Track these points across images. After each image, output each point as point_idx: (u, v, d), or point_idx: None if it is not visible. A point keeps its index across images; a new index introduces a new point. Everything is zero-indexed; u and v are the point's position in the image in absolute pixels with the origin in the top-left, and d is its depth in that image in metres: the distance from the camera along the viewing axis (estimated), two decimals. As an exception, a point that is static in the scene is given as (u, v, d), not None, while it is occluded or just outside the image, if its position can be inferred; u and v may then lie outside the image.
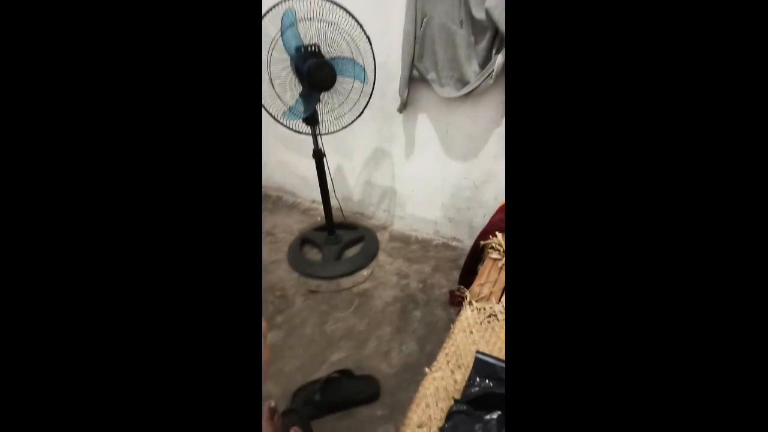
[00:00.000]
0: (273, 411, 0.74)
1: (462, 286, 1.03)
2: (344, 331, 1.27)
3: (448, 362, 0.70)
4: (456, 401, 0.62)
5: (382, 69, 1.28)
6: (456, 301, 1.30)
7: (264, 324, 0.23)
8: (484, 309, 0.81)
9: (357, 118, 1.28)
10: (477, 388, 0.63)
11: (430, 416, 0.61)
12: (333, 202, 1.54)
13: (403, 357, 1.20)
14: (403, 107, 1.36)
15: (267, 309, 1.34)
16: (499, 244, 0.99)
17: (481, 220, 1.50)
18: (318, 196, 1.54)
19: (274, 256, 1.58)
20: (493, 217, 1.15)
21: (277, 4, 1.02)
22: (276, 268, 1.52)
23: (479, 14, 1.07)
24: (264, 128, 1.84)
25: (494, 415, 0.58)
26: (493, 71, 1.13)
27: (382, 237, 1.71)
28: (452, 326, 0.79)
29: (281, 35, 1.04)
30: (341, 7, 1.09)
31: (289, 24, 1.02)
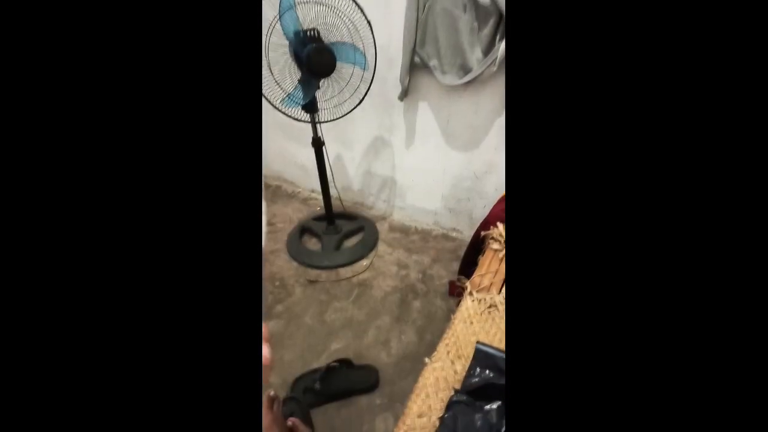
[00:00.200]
0: (273, 400, 0.74)
1: (462, 277, 1.03)
2: (344, 320, 1.28)
3: (448, 353, 0.70)
4: (456, 391, 0.62)
5: (382, 55, 1.25)
6: (455, 292, 1.30)
7: (264, 327, 0.22)
8: (485, 300, 0.80)
9: (357, 105, 1.26)
10: (477, 379, 0.63)
11: (430, 406, 0.61)
12: (332, 191, 1.53)
13: (402, 346, 1.20)
14: (404, 95, 1.34)
15: (267, 298, 1.34)
16: (500, 235, 0.98)
17: (482, 211, 1.49)
18: (317, 186, 1.53)
19: (273, 245, 1.57)
20: (493, 207, 1.14)
21: (275, -13, 0.99)
22: (275, 257, 1.52)
23: (483, -1, 1.04)
24: (263, 116, 1.81)
25: (494, 406, 0.58)
26: (496, 58, 1.10)
27: (382, 227, 1.70)
28: (452, 317, 0.78)
29: (279, 18, 1.02)
30: (341, -10, 1.06)
31: (287, 7, 0.99)
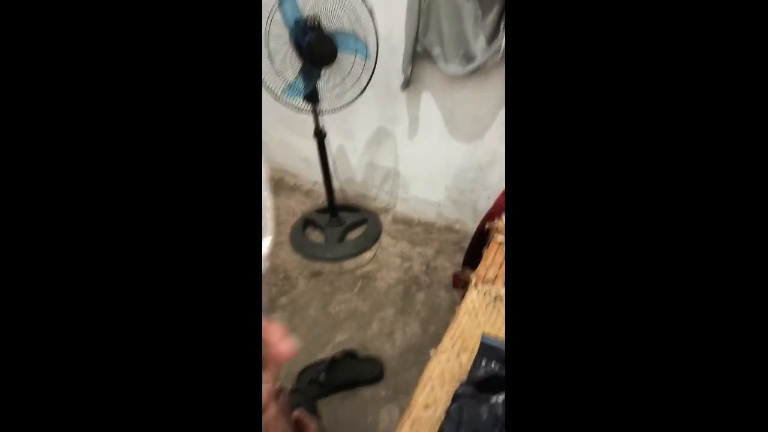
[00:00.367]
0: (279, 391, 0.75)
1: (467, 269, 1.02)
2: (348, 312, 1.28)
3: (453, 345, 0.70)
4: (462, 384, 0.62)
5: (384, 44, 1.22)
6: (459, 284, 1.30)
7: (277, 325, 0.22)
8: (490, 292, 0.80)
9: (359, 95, 1.24)
10: (483, 371, 0.63)
11: (435, 398, 0.61)
12: (335, 183, 1.52)
13: (406, 338, 1.20)
14: (407, 84, 1.32)
15: (270, 291, 1.34)
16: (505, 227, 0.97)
17: (486, 203, 1.48)
18: (320, 178, 1.52)
19: (276, 237, 1.57)
20: (498, 199, 1.13)
21: (275, -27, 0.97)
22: (279, 250, 1.52)
23: (488, -16, 1.02)
24: (264, 107, 1.79)
25: (500, 398, 0.58)
26: (501, 46, 1.08)
27: (385, 219, 1.70)
28: (457, 309, 0.78)
29: (279, 6, 0.99)
30: (342, -24, 1.04)
31: (287, -6, 0.96)
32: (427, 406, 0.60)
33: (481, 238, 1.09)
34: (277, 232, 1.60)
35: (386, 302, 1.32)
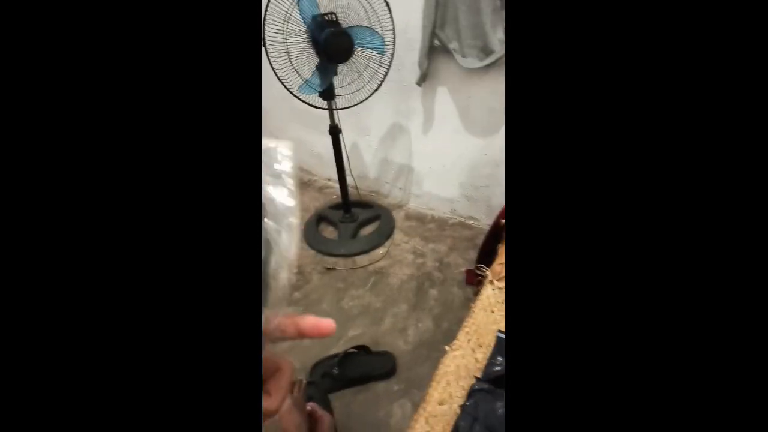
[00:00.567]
0: (294, 384, 0.75)
1: (482, 266, 1.01)
2: (361, 307, 1.28)
3: (468, 341, 0.69)
4: (477, 379, 0.61)
5: (401, 38, 1.22)
6: (473, 281, 1.29)
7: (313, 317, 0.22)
8: (506, 288, 0.79)
9: (375, 91, 1.23)
10: (499, 367, 0.63)
11: (451, 394, 0.61)
12: (348, 179, 1.52)
13: (419, 334, 1.20)
14: (423, 79, 1.31)
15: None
16: (522, 223, 0.95)
17: (500, 199, 1.46)
18: (333, 174, 1.52)
19: (290, 233, 1.59)
20: (514, 195, 1.11)
21: (292, -31, 0.97)
22: (292, 245, 1.53)
23: (507, -24, 1.00)
24: (280, 104, 1.81)
25: (517, 395, 0.57)
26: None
27: (398, 215, 1.69)
28: (472, 305, 0.77)
29: (297, 2, 1.00)
30: (359, -30, 1.03)
31: (305, -10, 0.97)
32: (442, 402, 0.60)
33: (495, 235, 1.08)
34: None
35: (399, 298, 1.32)
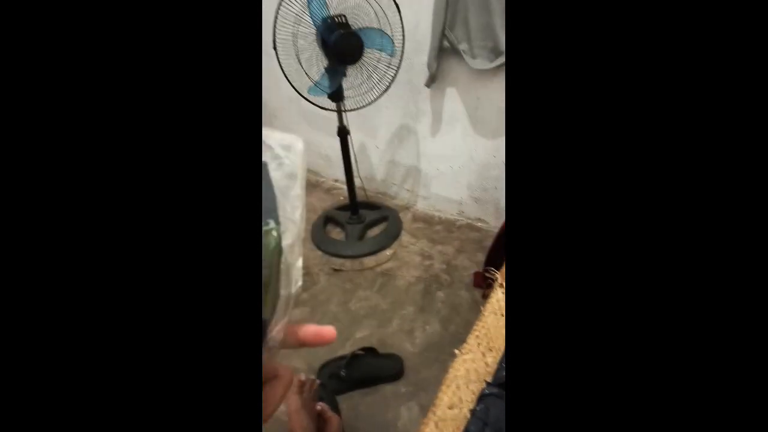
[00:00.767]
0: (304, 384, 0.75)
1: (491, 269, 1.01)
2: (368, 309, 1.28)
3: (479, 344, 0.69)
4: (488, 384, 0.61)
5: (410, 39, 1.22)
6: (481, 283, 1.28)
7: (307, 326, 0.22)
8: (516, 292, 0.78)
9: (384, 92, 1.23)
10: (509, 372, 0.62)
11: (460, 398, 0.61)
12: (356, 181, 1.52)
13: (426, 336, 1.20)
14: (432, 81, 1.31)
15: (292, 286, 1.36)
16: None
17: (509, 201, 1.45)
18: (341, 175, 1.52)
19: (298, 234, 1.59)
20: (524, 197, 1.10)
21: (303, -29, 0.98)
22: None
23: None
24: (288, 105, 1.82)
25: (528, 400, 0.57)
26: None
27: (405, 217, 1.69)
28: (482, 308, 0.77)
29: (308, 5, 1.00)
30: (369, -28, 1.03)
31: (315, -8, 0.97)
32: (452, 406, 0.60)
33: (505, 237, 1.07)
34: (299, 228, 1.62)
35: (406, 300, 1.32)
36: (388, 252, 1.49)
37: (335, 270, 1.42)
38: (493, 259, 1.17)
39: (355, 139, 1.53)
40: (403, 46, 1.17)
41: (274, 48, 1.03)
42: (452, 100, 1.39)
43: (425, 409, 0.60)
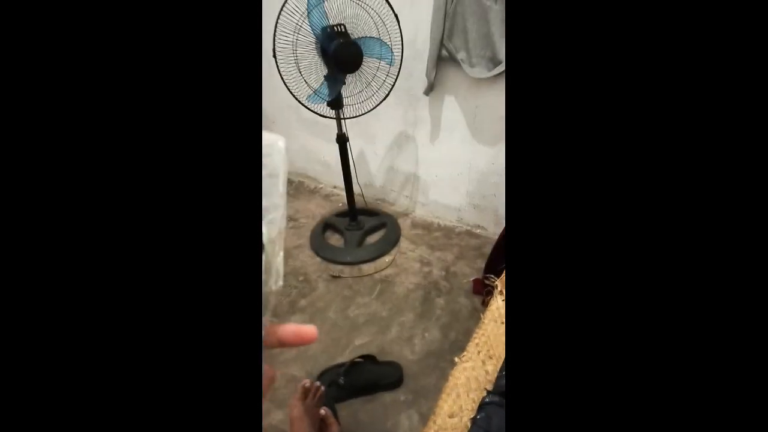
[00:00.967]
0: (308, 391, 0.74)
1: (491, 275, 1.01)
2: (367, 316, 1.28)
3: (478, 352, 0.68)
4: (488, 392, 0.60)
5: (408, 48, 1.23)
6: (481, 290, 1.28)
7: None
8: (516, 299, 0.78)
9: (383, 100, 1.25)
10: (510, 380, 0.62)
11: (461, 406, 0.60)
12: (355, 187, 1.53)
13: (426, 344, 1.19)
14: (431, 89, 1.32)
15: (290, 293, 1.36)
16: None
17: (508, 208, 1.45)
18: (340, 182, 1.53)
19: (296, 240, 1.59)
20: (522, 204, 1.11)
21: (303, -19, 0.99)
22: (299, 252, 1.53)
23: (515, -12, 1.01)
24: (287, 112, 1.82)
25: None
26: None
27: (404, 224, 1.69)
28: (482, 316, 0.77)
29: (308, 14, 1.01)
30: (368, -17, 1.05)
31: (315, 3, 0.98)
32: (452, 415, 0.59)
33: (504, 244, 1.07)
34: (297, 235, 1.62)
35: (405, 307, 1.31)
36: (387, 258, 1.49)
37: (334, 277, 1.42)
38: (492, 266, 1.17)
39: (354, 146, 1.54)
40: (402, 55, 1.18)
41: (274, 56, 1.04)
42: (451, 108, 1.41)
43: (425, 418, 0.59)
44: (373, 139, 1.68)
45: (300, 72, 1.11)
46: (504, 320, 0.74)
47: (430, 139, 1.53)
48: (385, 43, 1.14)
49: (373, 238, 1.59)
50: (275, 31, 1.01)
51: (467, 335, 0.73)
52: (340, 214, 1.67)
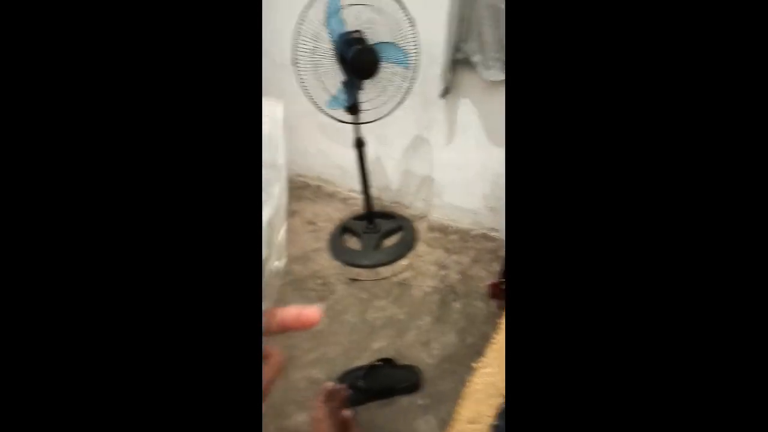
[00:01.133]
0: (332, 393, 0.75)
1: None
2: (385, 319, 1.29)
3: (497, 358, 0.68)
4: (508, 399, 0.60)
5: (424, 52, 1.24)
6: (498, 294, 1.27)
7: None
8: (536, 305, 0.77)
9: (399, 104, 1.25)
10: (530, 387, 0.61)
11: (480, 413, 0.60)
12: (371, 191, 1.54)
13: (443, 348, 1.19)
14: (446, 92, 1.32)
15: (309, 296, 1.38)
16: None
17: (526, 211, 1.43)
18: (356, 185, 1.54)
19: (315, 244, 1.61)
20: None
21: (321, -9, 1.01)
22: (317, 256, 1.56)
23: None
24: (305, 118, 1.86)
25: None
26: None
27: (420, 227, 1.69)
28: (499, 321, 0.76)
29: (327, 21, 1.04)
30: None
31: (335, 10, 1.00)
32: (472, 421, 0.60)
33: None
34: (316, 239, 1.64)
35: (423, 310, 1.31)
36: (403, 261, 1.50)
37: (352, 280, 1.44)
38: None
39: (369, 149, 1.56)
40: (417, 60, 1.19)
41: (294, 64, 1.06)
42: (466, 110, 1.40)
43: (443, 423, 0.60)
44: (389, 142, 1.69)
45: (318, 79, 1.13)
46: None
47: (446, 142, 1.53)
48: (401, 47, 1.15)
49: (390, 241, 1.59)
50: (294, 39, 1.04)
51: (484, 340, 0.73)
52: (358, 218, 1.69)
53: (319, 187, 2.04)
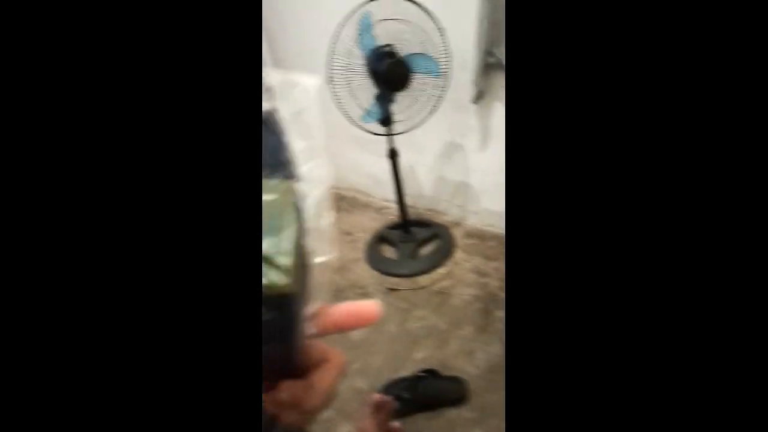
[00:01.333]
0: (380, 405, 0.76)
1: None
2: (426, 329, 1.27)
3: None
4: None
5: (455, 59, 1.23)
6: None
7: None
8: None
9: (431, 112, 1.26)
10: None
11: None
12: (406, 200, 1.54)
13: (488, 358, 1.16)
14: (480, 97, 1.30)
15: (350, 306, 1.40)
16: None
17: (569, 213, 1.37)
18: (390, 195, 1.55)
19: (353, 254, 1.63)
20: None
21: (355, 11, 1.04)
22: (355, 266, 1.57)
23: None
24: (338, 131, 1.90)
25: None
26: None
27: (457, 233, 1.67)
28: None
29: (359, 38, 1.06)
30: (413, 1, 1.07)
31: (366, 26, 1.03)
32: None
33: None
34: (354, 249, 1.66)
35: (464, 319, 1.29)
36: (442, 270, 1.48)
37: (391, 289, 1.44)
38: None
39: (402, 158, 1.56)
40: (449, 68, 1.19)
41: (328, 82, 1.10)
42: (499, 114, 1.38)
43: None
44: (422, 150, 1.69)
45: (351, 94, 1.16)
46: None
47: (479, 148, 1.51)
48: (432, 57, 1.15)
49: (427, 249, 1.58)
50: (329, 57, 1.08)
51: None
52: (393, 227, 1.70)
53: (354, 198, 2.07)
